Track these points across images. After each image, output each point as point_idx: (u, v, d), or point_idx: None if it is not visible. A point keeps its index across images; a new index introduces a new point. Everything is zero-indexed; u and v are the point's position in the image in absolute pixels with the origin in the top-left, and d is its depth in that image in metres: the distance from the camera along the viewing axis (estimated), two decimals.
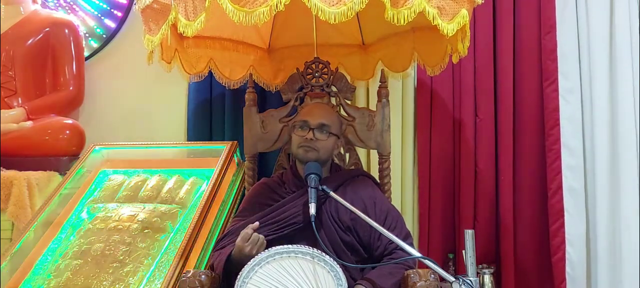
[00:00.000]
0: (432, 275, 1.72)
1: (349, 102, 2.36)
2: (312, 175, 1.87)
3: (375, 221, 1.81)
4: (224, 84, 2.60)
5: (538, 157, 2.76)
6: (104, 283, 2.12)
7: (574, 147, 2.69)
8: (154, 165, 2.71)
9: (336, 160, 2.25)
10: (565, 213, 2.66)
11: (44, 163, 2.78)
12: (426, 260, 1.58)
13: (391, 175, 2.32)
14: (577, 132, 2.70)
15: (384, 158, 2.31)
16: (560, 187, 2.67)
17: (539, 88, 2.75)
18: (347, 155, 2.37)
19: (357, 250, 1.90)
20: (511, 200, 2.74)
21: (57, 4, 3.29)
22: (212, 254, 1.93)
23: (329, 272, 1.70)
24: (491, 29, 2.80)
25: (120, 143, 2.84)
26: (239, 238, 1.78)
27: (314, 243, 1.76)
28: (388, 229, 1.81)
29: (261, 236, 1.78)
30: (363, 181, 2.07)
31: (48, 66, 3.11)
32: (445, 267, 2.67)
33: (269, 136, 2.36)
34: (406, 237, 1.90)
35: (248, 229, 1.78)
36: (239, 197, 2.62)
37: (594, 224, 2.68)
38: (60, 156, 2.85)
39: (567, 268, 2.65)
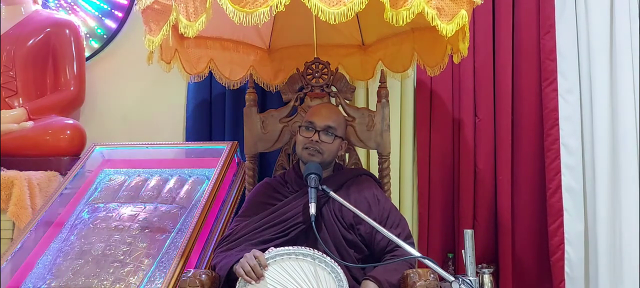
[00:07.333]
0: (432, 275, 1.72)
1: (348, 102, 2.36)
2: (312, 175, 1.87)
3: (379, 218, 1.84)
4: (224, 84, 2.60)
5: (537, 156, 2.76)
6: (105, 283, 2.12)
7: (572, 147, 2.69)
8: (155, 165, 2.71)
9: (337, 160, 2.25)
10: (565, 213, 2.66)
11: (44, 163, 2.78)
12: (426, 260, 1.59)
13: (391, 175, 2.33)
14: (576, 132, 2.70)
15: (383, 159, 2.31)
16: (559, 187, 2.67)
17: (538, 88, 2.75)
18: (347, 155, 2.37)
19: (360, 247, 1.90)
20: (509, 200, 2.75)
21: (58, 5, 3.29)
22: (215, 254, 1.93)
23: (330, 273, 1.71)
24: (491, 29, 2.80)
25: (121, 143, 2.84)
26: (245, 263, 1.71)
27: (317, 244, 1.76)
28: (390, 227, 1.84)
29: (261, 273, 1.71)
30: (366, 180, 2.08)
31: (49, 66, 3.10)
32: (444, 267, 2.67)
33: (269, 136, 2.37)
34: (407, 237, 1.90)
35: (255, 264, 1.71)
36: (239, 198, 2.63)
37: (593, 224, 2.68)
38: (61, 156, 2.84)
39: (566, 268, 2.65)
